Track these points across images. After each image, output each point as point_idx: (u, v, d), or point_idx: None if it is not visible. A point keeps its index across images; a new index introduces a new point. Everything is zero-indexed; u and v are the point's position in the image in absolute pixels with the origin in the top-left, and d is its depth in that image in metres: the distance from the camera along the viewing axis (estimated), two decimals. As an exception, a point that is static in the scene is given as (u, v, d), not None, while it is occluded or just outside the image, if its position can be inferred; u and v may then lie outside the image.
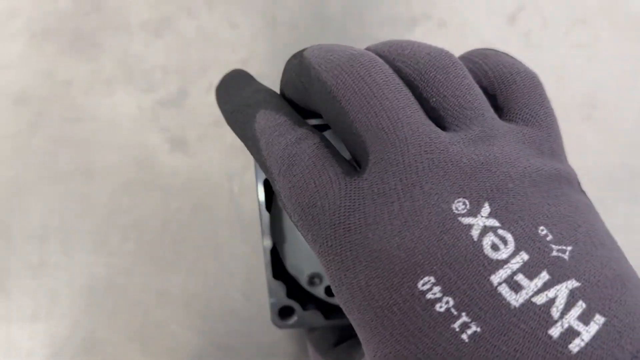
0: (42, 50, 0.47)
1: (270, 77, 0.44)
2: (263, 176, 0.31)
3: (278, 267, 0.33)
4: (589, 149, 0.42)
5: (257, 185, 0.31)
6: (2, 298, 0.42)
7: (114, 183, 0.43)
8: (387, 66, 0.24)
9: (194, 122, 0.44)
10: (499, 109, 0.25)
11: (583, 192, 0.24)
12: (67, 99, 0.46)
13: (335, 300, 0.34)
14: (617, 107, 0.42)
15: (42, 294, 0.42)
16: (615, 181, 0.41)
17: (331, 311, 0.34)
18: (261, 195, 0.31)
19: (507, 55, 0.27)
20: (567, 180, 0.23)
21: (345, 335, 0.33)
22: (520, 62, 0.27)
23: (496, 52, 0.28)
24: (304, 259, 0.33)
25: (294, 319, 0.33)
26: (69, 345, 0.41)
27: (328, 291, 0.34)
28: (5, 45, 0.47)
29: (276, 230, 0.33)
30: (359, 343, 0.30)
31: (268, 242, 0.32)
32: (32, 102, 0.46)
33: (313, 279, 0.34)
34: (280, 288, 0.32)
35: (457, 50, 0.43)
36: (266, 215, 0.32)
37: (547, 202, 0.22)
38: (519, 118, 0.25)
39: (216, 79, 0.33)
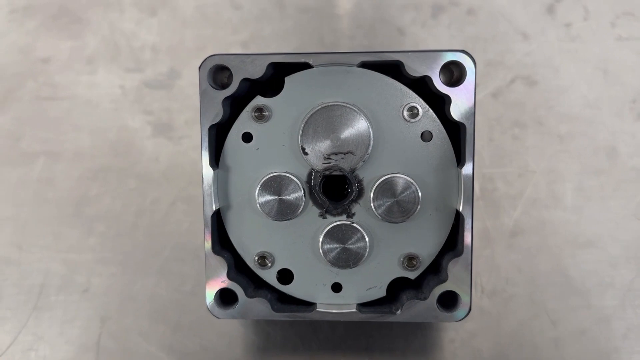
0: (21, 26, 0.42)
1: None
2: (211, 119, 0.25)
3: (222, 238, 0.27)
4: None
5: (201, 131, 0.25)
6: None
7: (83, 168, 0.37)
8: None
9: (183, 105, 0.38)
10: None
11: None
12: (43, 76, 0.40)
13: (289, 289, 0.27)
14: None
15: (-19, 294, 0.34)
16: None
17: (283, 301, 0.27)
18: (206, 144, 0.25)
19: None
20: None
21: None
22: None
23: None
24: (253, 233, 0.27)
25: (235, 307, 0.26)
26: (6, 357, 0.33)
27: (281, 276, 0.27)
28: (-19, 19, 0.42)
29: (222, 193, 0.26)
30: None
31: (210, 207, 0.25)
32: (4, 78, 0.40)
33: (264, 259, 0.26)
34: (220, 265, 0.26)
35: (487, 41, 0.38)
36: (209, 171, 0.25)
37: None
38: None
39: None
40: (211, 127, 0.25)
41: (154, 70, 0.40)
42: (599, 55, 0.38)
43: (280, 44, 0.41)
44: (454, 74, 0.25)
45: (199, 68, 0.26)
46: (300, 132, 0.25)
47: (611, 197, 0.35)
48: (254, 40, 0.40)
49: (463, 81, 0.24)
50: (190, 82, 0.39)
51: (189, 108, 0.38)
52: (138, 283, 0.34)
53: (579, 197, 0.34)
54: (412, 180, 0.25)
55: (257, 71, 0.25)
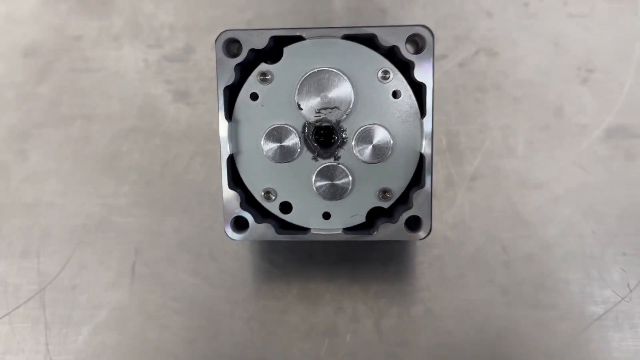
0: (55, 8, 0.48)
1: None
2: (225, 82, 0.31)
3: (235, 178, 0.33)
4: (586, 110, 0.41)
5: (217, 91, 0.31)
6: (-7, 236, 0.41)
7: (115, 129, 0.43)
8: None
9: (198, 75, 0.44)
10: None
11: None
12: (76, 51, 0.46)
13: (289, 217, 0.33)
14: (612, 72, 0.42)
15: (33, 232, 0.41)
16: (611, 139, 0.41)
17: (284, 227, 0.34)
18: (221, 102, 0.32)
19: None
20: None
21: None
22: None
23: None
24: (260, 173, 0.33)
25: (246, 231, 0.33)
26: (56, 282, 0.40)
27: (282, 207, 0.34)
28: (19, 2, 0.48)
29: (234, 141, 0.33)
30: None
31: (226, 152, 0.32)
32: (41, 54, 0.46)
33: (268, 194, 0.33)
34: (234, 199, 0.32)
35: (456, 19, 0.44)
36: (224, 123, 0.32)
37: None
38: None
39: None
40: (225, 88, 0.32)
41: (171, 46, 0.46)
42: (551, 30, 0.44)
43: (280, 22, 0.47)
44: (418, 44, 0.32)
45: (215, 41, 0.32)
46: (296, 92, 0.32)
47: (556, 147, 0.41)
48: (258, 18, 0.46)
49: (424, 50, 0.31)
50: (204, 56, 0.45)
51: (203, 78, 0.44)
52: (165, 221, 0.40)
53: (529, 148, 0.41)
54: (385, 129, 0.32)
55: (261, 43, 0.31)
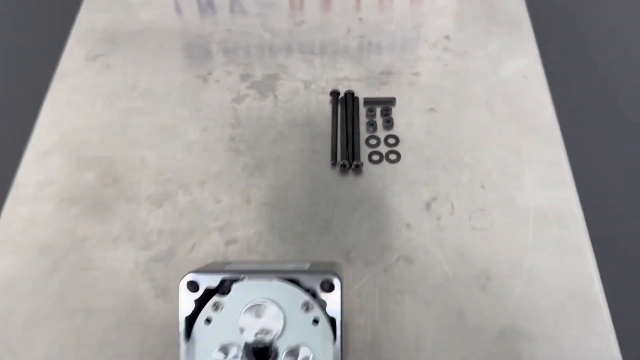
0: (67, 212, 0.59)
1: (241, 242, 0.55)
2: (185, 313, 0.41)
3: None
4: (484, 312, 0.50)
5: (179, 320, 0.41)
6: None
7: (107, 322, 0.52)
8: None
9: (177, 275, 0.54)
10: None
11: None
12: (81, 251, 0.56)
13: None
14: (506, 280, 0.52)
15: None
16: (505, 341, 0.49)
17: None
18: (182, 328, 0.41)
19: None
20: None
21: None
22: None
23: None
24: None
25: None
26: None
27: None
28: (39, 206, 0.59)
29: (191, 355, 0.41)
30: None
31: None
32: (53, 252, 0.56)
33: None
34: None
35: (382, 230, 0.54)
36: (183, 344, 0.41)
37: None
38: None
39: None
40: (186, 318, 0.41)
41: (158, 249, 0.56)
42: (458, 241, 0.54)
43: (246, 228, 0.57)
44: (331, 285, 0.41)
45: (180, 282, 0.42)
46: (240, 318, 0.41)
47: (456, 348, 0.49)
48: (228, 226, 0.57)
49: (333, 290, 0.40)
50: (183, 257, 0.55)
51: (179, 277, 0.54)
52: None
53: (435, 347, 0.49)
54: (308, 347, 0.40)
55: (214, 283, 0.41)
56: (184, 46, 0.73)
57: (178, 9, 0.79)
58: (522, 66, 0.67)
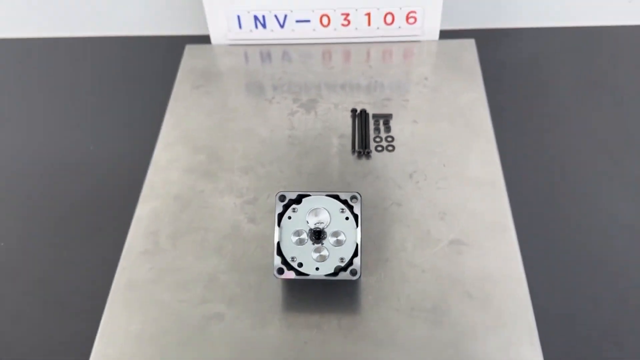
0: (189, 177, 0.94)
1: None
2: (278, 211, 0.76)
3: (279, 253, 0.74)
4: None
5: (275, 214, 0.76)
6: None
7: (219, 236, 0.86)
8: None
9: (260, 211, 0.89)
10: None
11: None
12: (200, 198, 0.90)
13: (302, 269, 0.73)
14: (452, 212, 0.87)
15: None
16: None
17: (299, 274, 0.73)
18: (276, 220, 0.75)
19: None
20: None
21: None
22: None
23: None
24: (289, 250, 0.73)
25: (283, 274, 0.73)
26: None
27: (299, 265, 0.73)
28: (170, 174, 0.93)
29: (280, 236, 0.73)
30: None
31: (276, 239, 0.75)
32: (182, 199, 0.90)
33: (293, 258, 0.73)
34: (279, 259, 0.74)
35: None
36: (277, 228, 0.75)
37: None
38: None
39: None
40: (278, 214, 0.76)
41: (247, 197, 0.90)
42: (428, 195, 0.90)
43: (297, 188, 0.92)
44: (356, 197, 0.77)
45: (275, 195, 0.78)
46: (307, 216, 0.76)
47: None
48: (288, 186, 0.93)
49: (357, 201, 0.76)
50: (262, 202, 0.90)
51: (262, 214, 0.89)
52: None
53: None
54: (342, 232, 0.76)
55: (293, 197, 0.76)
56: (254, 82, 1.11)
57: (246, 58, 1.18)
58: (473, 97, 1.05)
